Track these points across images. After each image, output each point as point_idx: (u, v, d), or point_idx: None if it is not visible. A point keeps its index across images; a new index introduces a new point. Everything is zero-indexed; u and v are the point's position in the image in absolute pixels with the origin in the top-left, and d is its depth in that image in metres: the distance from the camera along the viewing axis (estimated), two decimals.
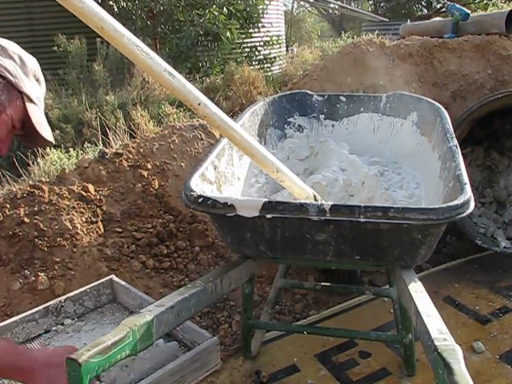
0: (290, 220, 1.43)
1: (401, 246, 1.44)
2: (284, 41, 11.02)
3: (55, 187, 2.67)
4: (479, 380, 1.88)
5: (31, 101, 1.24)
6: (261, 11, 8.68)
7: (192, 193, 1.52)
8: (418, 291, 1.41)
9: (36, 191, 2.61)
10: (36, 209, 2.54)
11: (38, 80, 1.28)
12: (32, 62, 1.26)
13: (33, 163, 3.29)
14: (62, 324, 1.81)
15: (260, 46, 9.20)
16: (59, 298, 1.84)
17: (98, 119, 4.32)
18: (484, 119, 2.88)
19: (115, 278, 1.97)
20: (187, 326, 1.67)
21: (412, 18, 12.68)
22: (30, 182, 2.84)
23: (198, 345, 1.57)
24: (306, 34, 20.51)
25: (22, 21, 7.59)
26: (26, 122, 1.24)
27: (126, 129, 3.81)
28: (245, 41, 8.86)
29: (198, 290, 1.44)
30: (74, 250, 2.47)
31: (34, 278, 2.32)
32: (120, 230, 2.67)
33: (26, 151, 3.45)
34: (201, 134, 3.23)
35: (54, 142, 1.32)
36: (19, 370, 1.15)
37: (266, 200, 1.45)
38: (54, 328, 1.78)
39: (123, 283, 1.94)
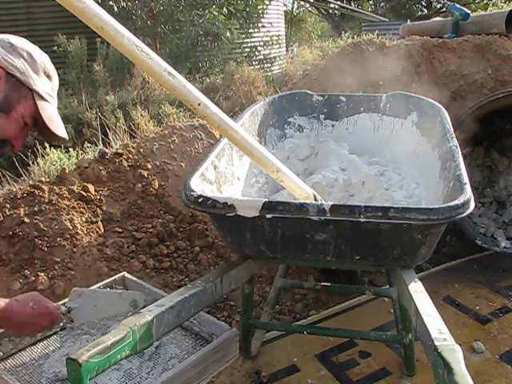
0: (290, 220, 1.43)
1: (401, 246, 1.44)
2: (284, 41, 11.02)
3: (55, 187, 2.67)
4: (479, 380, 1.88)
5: (42, 98, 1.23)
6: (261, 11, 8.69)
7: (192, 193, 1.52)
8: (417, 291, 1.41)
9: (36, 191, 2.61)
10: (36, 209, 2.54)
11: (48, 76, 1.27)
12: (42, 58, 1.25)
13: (33, 163, 3.29)
14: None
15: (260, 46, 9.20)
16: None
17: (98, 119, 4.33)
18: (484, 119, 2.88)
19: (127, 275, 1.98)
20: (205, 319, 1.70)
21: (412, 18, 12.71)
22: (30, 182, 2.84)
23: (217, 337, 1.60)
24: (306, 34, 20.49)
25: (21, 21, 7.58)
26: (38, 118, 1.23)
27: (126, 129, 3.82)
28: (245, 41, 8.86)
29: (197, 290, 1.43)
30: (74, 249, 2.47)
31: (33, 278, 2.32)
32: (120, 230, 2.67)
33: (26, 151, 3.45)
34: (201, 134, 3.23)
35: (67, 138, 1.31)
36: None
37: (266, 200, 1.44)
38: (68, 325, 1.79)
39: (135, 279, 1.96)
